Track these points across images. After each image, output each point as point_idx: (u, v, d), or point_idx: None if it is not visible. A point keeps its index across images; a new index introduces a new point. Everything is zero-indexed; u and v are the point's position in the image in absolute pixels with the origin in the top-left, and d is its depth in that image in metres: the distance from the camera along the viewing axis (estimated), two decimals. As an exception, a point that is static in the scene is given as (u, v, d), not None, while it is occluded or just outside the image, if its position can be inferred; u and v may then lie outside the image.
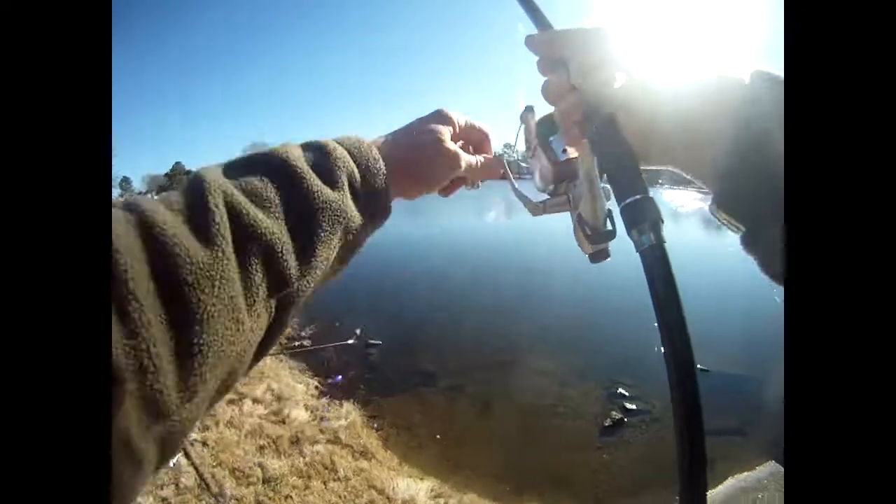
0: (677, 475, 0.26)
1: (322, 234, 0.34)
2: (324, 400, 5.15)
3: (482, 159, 0.49)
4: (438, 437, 5.19)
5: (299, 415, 4.51)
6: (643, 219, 0.30)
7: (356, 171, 0.38)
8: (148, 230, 0.26)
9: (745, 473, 4.69)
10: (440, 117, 0.46)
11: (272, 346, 0.34)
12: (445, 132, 0.45)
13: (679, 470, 0.26)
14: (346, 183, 0.36)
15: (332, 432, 4.36)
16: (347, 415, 4.76)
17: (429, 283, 9.37)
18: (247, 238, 0.30)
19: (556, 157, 0.43)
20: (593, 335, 7.18)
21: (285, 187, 0.33)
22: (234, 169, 0.34)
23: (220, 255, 0.27)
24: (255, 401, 4.56)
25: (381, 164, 0.39)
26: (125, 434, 0.23)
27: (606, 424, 5.38)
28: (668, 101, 0.34)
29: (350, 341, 6.87)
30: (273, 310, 0.32)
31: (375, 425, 5.24)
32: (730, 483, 4.61)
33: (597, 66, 0.35)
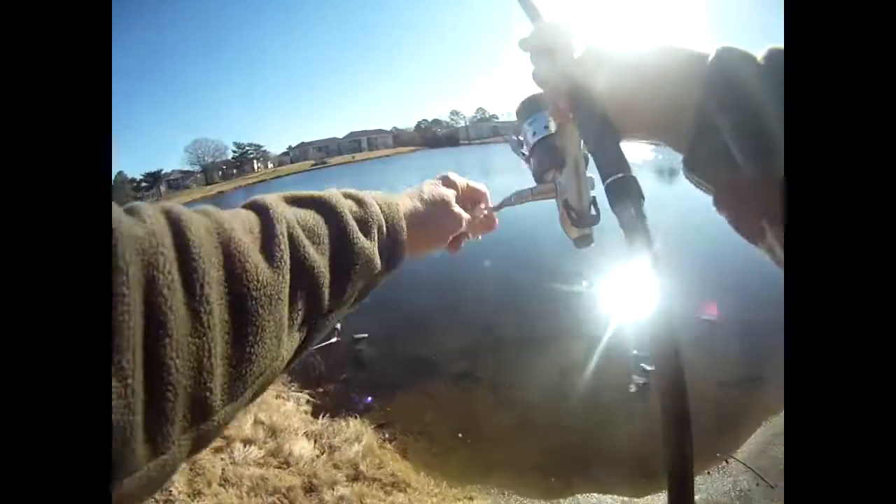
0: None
1: (353, 275, 0.37)
2: (324, 419, 4.39)
3: (481, 215, 0.56)
4: (461, 435, 4.69)
5: (304, 450, 3.66)
6: (626, 195, 0.31)
7: (384, 225, 0.42)
8: (226, 243, 0.29)
9: (772, 421, 4.66)
10: (447, 182, 0.52)
11: (295, 362, 0.36)
12: (452, 196, 0.50)
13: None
14: (375, 234, 0.40)
15: (350, 465, 3.62)
16: (358, 436, 4.01)
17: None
18: (300, 268, 0.33)
19: (532, 136, 0.46)
20: (595, 300, 6.83)
21: (332, 229, 0.37)
22: (292, 202, 0.38)
23: (279, 278, 0.30)
24: (246, 442, 3.63)
25: (404, 223, 0.44)
26: (157, 430, 0.23)
27: (632, 391, 5.12)
28: (642, 77, 0.36)
29: (333, 340, 6.12)
30: (305, 333, 0.35)
31: (387, 435, 4.64)
32: (762, 430, 4.58)
33: (575, 51, 0.39)
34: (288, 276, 0.31)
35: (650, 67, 0.36)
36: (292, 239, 0.33)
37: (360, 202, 0.41)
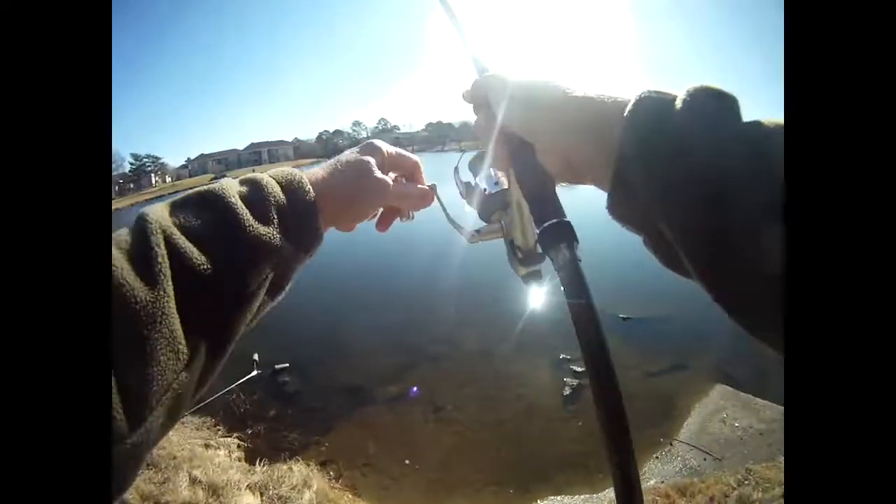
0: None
1: (252, 267, 0.35)
2: (262, 466, 3.96)
3: (415, 188, 0.49)
4: (408, 462, 4.49)
5: (252, 506, 3.25)
6: (560, 240, 0.32)
7: (286, 202, 0.39)
8: None
9: (703, 401, 5.11)
10: (368, 148, 0.47)
11: (213, 375, 0.35)
12: (373, 161, 0.45)
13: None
14: (275, 216, 0.38)
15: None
16: (306, 480, 3.64)
17: (319, 282, 8.03)
18: (186, 276, 0.32)
19: (483, 190, 0.46)
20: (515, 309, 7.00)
21: (218, 222, 0.35)
22: (177, 206, 0.36)
23: (160, 293, 0.29)
24: (188, 506, 3.14)
25: (312, 194, 0.40)
26: None
27: (566, 393, 5.28)
28: (566, 128, 0.37)
29: (253, 374, 5.60)
30: (212, 339, 0.33)
31: (332, 473, 4.31)
32: (696, 412, 4.98)
33: (508, 104, 0.40)
34: (171, 288, 0.30)
35: (573, 119, 0.36)
36: (171, 246, 0.32)
37: (255, 184, 0.39)
